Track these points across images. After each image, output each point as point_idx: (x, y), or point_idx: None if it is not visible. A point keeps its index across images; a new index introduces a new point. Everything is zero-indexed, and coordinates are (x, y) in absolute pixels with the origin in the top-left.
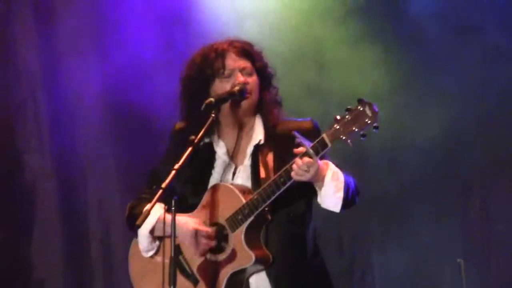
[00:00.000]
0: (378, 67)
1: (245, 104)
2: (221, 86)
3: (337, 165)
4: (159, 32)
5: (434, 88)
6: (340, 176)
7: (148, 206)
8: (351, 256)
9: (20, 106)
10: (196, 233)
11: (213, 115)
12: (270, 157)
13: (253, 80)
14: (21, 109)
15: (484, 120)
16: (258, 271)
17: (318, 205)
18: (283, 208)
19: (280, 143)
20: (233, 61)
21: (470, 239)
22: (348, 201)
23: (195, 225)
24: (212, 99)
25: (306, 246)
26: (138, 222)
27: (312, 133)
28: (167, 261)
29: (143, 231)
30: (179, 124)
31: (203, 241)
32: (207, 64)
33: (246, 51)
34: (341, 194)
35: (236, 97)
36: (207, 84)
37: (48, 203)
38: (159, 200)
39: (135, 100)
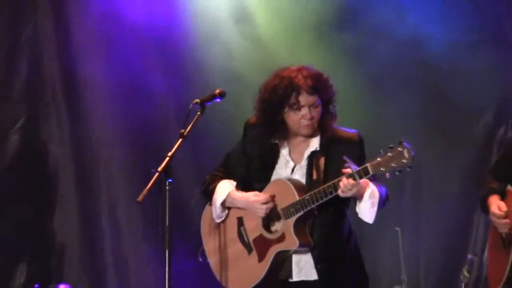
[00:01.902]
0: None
1: (305, 131)
2: (292, 116)
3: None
4: (160, 33)
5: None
6: (376, 193)
7: (147, 186)
8: None
9: (45, 107)
10: (255, 202)
11: (198, 113)
12: (322, 161)
13: (317, 111)
14: (46, 109)
15: (421, 109)
16: (301, 252)
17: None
18: (328, 206)
19: (331, 149)
20: (305, 99)
21: (405, 210)
22: (380, 210)
23: (253, 198)
24: (198, 100)
25: (343, 233)
26: (139, 199)
27: (357, 144)
28: (230, 228)
29: (217, 203)
30: (252, 119)
31: (261, 206)
32: (284, 96)
33: (317, 88)
34: (375, 209)
35: (217, 98)
36: (282, 108)
37: (67, 183)
38: (226, 178)
39: (139, 96)
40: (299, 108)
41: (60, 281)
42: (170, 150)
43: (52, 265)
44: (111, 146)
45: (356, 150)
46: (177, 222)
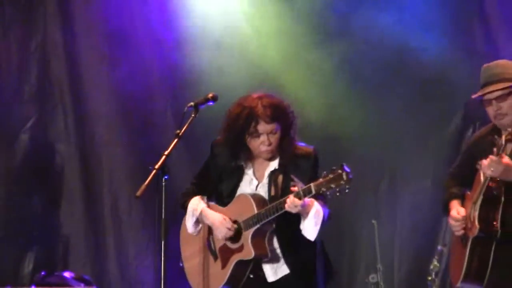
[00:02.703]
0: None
1: (265, 156)
2: (252, 142)
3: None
4: (160, 38)
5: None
6: (320, 212)
7: (146, 182)
8: None
9: (53, 108)
10: (221, 224)
11: (193, 115)
12: (280, 178)
13: (276, 138)
14: (54, 110)
15: (401, 111)
16: (268, 261)
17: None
18: (286, 217)
19: (289, 167)
20: (263, 127)
21: (381, 205)
22: (321, 229)
23: (221, 220)
24: (192, 103)
25: (304, 238)
26: (137, 194)
27: (312, 161)
28: (202, 237)
29: (191, 221)
30: (219, 139)
31: (224, 230)
32: (245, 125)
33: (276, 116)
34: (318, 227)
35: (210, 101)
36: (243, 135)
37: (73, 180)
38: (199, 193)
39: (139, 99)
40: (258, 136)
41: (65, 269)
42: (167, 149)
43: (58, 254)
44: (113, 145)
45: (311, 166)
46: (172, 214)
